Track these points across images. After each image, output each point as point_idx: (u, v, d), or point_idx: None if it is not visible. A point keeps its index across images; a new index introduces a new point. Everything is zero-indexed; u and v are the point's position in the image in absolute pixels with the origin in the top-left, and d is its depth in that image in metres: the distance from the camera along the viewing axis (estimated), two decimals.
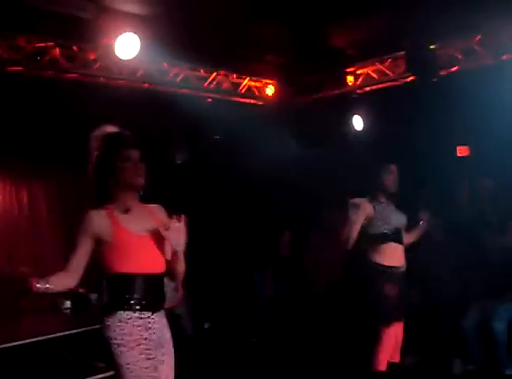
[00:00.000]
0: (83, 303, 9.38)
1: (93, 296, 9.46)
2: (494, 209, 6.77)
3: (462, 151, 8.10)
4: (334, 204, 8.23)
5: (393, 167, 4.99)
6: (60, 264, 10.16)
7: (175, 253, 3.25)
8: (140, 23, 6.02)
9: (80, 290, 9.28)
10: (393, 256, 4.82)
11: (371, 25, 6.58)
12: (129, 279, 3.16)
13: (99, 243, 3.20)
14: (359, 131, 8.10)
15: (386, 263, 4.79)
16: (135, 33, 6.05)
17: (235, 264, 9.23)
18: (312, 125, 8.39)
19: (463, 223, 6.68)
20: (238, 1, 5.88)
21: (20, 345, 6.94)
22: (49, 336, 7.21)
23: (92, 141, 3.39)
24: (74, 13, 5.50)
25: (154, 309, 3.22)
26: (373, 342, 4.85)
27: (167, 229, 3.17)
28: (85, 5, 5.48)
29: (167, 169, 8.39)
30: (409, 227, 5.14)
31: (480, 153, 7.71)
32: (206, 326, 8.67)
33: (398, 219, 4.94)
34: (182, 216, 3.26)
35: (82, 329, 7.27)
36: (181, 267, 3.35)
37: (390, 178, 4.94)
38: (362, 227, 4.86)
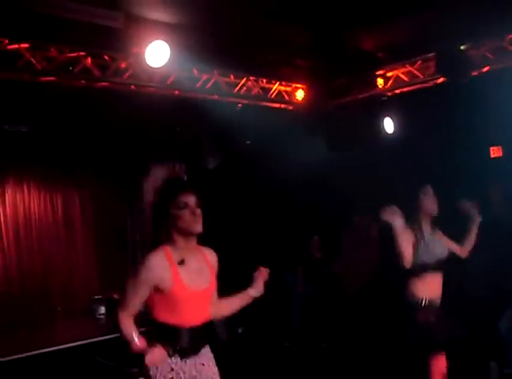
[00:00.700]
0: (117, 308, 9.48)
1: None
2: None
3: (495, 151, 8.00)
4: (365, 208, 8.21)
5: (430, 189, 4.81)
6: (92, 269, 10.36)
7: (245, 297, 3.49)
8: (169, 31, 6.08)
9: (114, 296, 9.39)
10: (430, 288, 4.69)
11: (401, 27, 6.55)
12: (170, 329, 3.21)
13: (154, 289, 3.18)
14: (390, 134, 8.05)
15: (423, 295, 4.70)
16: (165, 41, 6.10)
17: (268, 266, 9.24)
18: (343, 129, 8.36)
19: (498, 224, 6.58)
20: (266, 6, 5.90)
21: (55, 350, 7.04)
22: (83, 342, 7.30)
23: (147, 185, 3.36)
24: (105, 23, 5.56)
25: (190, 354, 3.27)
26: (422, 373, 4.77)
27: (257, 288, 3.45)
28: (115, 14, 5.54)
29: (200, 174, 8.44)
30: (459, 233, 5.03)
31: None
32: (240, 331, 8.69)
33: (440, 248, 4.76)
34: (266, 270, 3.48)
35: (116, 335, 7.35)
36: (234, 311, 3.57)
37: (429, 200, 4.76)
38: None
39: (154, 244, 3.28)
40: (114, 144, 8.91)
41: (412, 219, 4.80)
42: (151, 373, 3.19)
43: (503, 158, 7.83)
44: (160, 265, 3.16)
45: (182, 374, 3.23)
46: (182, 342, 3.20)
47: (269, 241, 9.54)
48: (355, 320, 7.83)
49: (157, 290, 3.17)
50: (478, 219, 4.99)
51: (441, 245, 4.80)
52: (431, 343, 4.65)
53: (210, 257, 3.47)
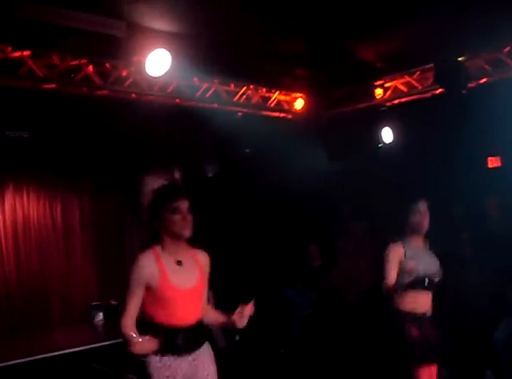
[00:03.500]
0: (115, 315, 9.49)
1: None
2: None
3: (493, 162, 8.03)
4: (362, 217, 8.24)
5: (419, 206, 4.69)
6: (91, 275, 10.30)
7: (225, 324, 3.60)
8: (170, 40, 6.13)
9: (112, 302, 9.41)
10: (417, 303, 4.61)
11: (400, 38, 6.61)
12: (163, 329, 3.31)
13: (146, 287, 3.32)
14: (388, 144, 8.09)
15: (409, 309, 4.60)
16: (166, 50, 6.14)
17: (266, 276, 9.27)
18: (341, 138, 8.42)
19: (495, 235, 6.62)
20: (267, 16, 5.95)
21: (52, 356, 7.04)
22: (80, 348, 7.30)
23: (144, 188, 3.48)
24: (107, 32, 5.63)
25: (183, 352, 3.35)
26: None
27: (241, 317, 3.48)
28: (117, 23, 5.61)
29: (199, 182, 8.48)
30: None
31: (510, 164, 7.64)
32: (237, 338, 8.71)
33: (425, 267, 4.61)
34: (252, 303, 3.51)
35: (113, 341, 7.36)
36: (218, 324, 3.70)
37: (420, 217, 4.67)
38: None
39: (146, 245, 3.43)
40: (114, 151, 8.94)
41: (403, 233, 4.76)
42: (148, 372, 3.28)
43: (502, 168, 7.86)
44: (148, 264, 3.31)
45: (179, 371, 3.32)
46: (175, 340, 3.30)
47: (266, 252, 9.56)
48: (351, 330, 7.84)
49: (148, 289, 3.31)
50: None
51: (426, 263, 4.66)
52: (415, 356, 4.64)
53: (201, 257, 3.58)
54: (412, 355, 4.59)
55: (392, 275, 4.61)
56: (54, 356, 7.11)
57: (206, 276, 3.55)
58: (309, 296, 8.77)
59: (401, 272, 4.62)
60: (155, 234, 3.41)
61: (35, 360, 6.98)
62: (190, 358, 3.37)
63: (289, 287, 9.01)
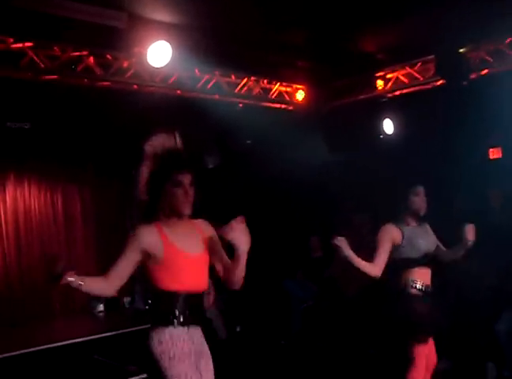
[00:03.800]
0: (116, 306, 9.52)
1: (126, 300, 9.57)
2: None
3: (495, 153, 8.03)
4: (364, 209, 8.22)
5: (420, 189, 4.78)
6: (92, 266, 10.30)
7: (237, 257, 3.31)
8: (171, 31, 6.13)
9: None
10: (420, 279, 4.69)
11: (401, 30, 6.60)
12: (175, 296, 3.23)
13: (148, 258, 3.22)
14: (389, 135, 8.09)
15: (413, 284, 4.71)
16: (167, 41, 6.14)
17: (266, 268, 9.27)
18: (342, 130, 8.41)
19: (497, 226, 6.61)
20: (268, 7, 5.94)
21: (53, 347, 7.05)
22: (81, 339, 7.32)
23: (146, 154, 3.37)
24: (108, 23, 5.62)
25: (196, 323, 3.32)
26: (405, 362, 4.77)
27: (231, 231, 3.21)
28: (119, 14, 5.60)
29: (199, 173, 8.46)
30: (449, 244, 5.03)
31: None
32: (238, 329, 8.72)
33: (427, 243, 4.77)
34: (242, 217, 3.32)
35: (114, 332, 7.38)
36: (242, 272, 3.40)
37: (417, 200, 4.75)
38: (390, 252, 4.77)
39: (146, 216, 3.31)
40: (114, 142, 8.94)
41: (399, 217, 4.82)
42: (166, 345, 3.19)
43: (503, 159, 7.86)
44: (149, 233, 3.22)
45: (195, 340, 3.28)
46: (185, 306, 3.22)
47: (267, 243, 9.56)
48: (353, 322, 7.84)
49: (151, 258, 3.20)
50: (469, 244, 4.98)
51: (427, 240, 4.79)
52: (421, 333, 4.68)
53: (203, 226, 3.49)
54: (418, 332, 4.64)
55: (382, 260, 4.65)
56: (56, 347, 7.13)
57: (212, 242, 3.43)
58: (310, 288, 8.78)
59: (400, 250, 4.69)
60: (151, 211, 3.30)
61: (37, 351, 6.99)
62: (197, 330, 3.33)
63: (290, 279, 9.01)
